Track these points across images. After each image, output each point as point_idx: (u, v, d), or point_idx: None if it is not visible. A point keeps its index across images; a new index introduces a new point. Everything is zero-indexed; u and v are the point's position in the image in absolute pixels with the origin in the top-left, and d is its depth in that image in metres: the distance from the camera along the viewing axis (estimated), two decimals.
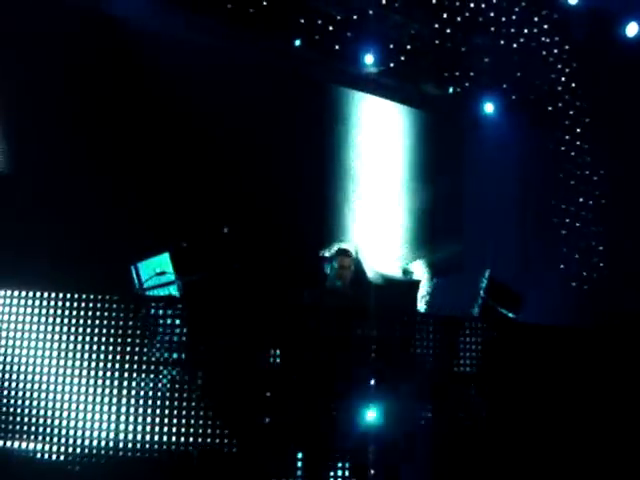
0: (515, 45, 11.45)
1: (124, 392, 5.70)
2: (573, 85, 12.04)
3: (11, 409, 5.77)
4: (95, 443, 5.66)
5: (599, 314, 10.08)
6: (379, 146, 11.20)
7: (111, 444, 5.64)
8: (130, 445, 5.63)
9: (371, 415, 5.98)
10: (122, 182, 8.51)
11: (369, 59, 10.53)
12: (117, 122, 8.77)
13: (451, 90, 11.50)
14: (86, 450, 5.65)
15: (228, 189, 9.27)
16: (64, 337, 5.85)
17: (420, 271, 10.31)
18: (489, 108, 11.89)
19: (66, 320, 5.86)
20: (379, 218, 10.98)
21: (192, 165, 9.13)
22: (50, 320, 5.86)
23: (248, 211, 9.20)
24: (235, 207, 9.09)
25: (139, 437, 5.62)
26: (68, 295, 5.88)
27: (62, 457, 5.65)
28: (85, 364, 5.78)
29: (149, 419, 5.63)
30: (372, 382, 6.12)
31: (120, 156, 8.64)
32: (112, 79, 8.78)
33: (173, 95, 8.97)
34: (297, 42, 10.11)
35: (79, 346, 5.81)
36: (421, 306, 8.21)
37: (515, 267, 11.31)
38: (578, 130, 12.13)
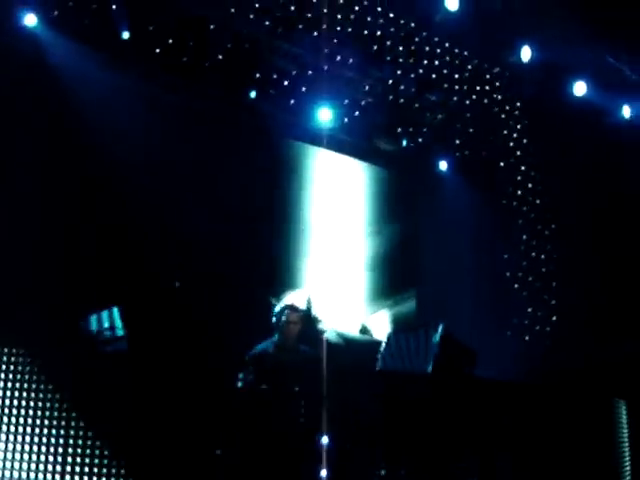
0: (467, 102, 11.61)
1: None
2: (525, 141, 12.24)
3: None
4: None
5: (550, 369, 10.12)
6: (333, 199, 11.23)
7: None
8: None
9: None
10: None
11: (323, 114, 10.58)
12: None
13: (404, 145, 11.60)
14: None
15: (178, 241, 9.17)
16: None
17: (378, 328, 10.29)
18: (443, 165, 12.04)
19: None
20: (334, 272, 10.95)
21: (142, 216, 8.99)
22: None
23: (199, 265, 9.10)
24: (185, 261, 8.97)
25: None
26: None
27: None
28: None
29: None
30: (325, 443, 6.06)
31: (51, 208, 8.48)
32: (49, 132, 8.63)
33: (126, 148, 8.88)
34: (252, 94, 10.13)
35: None
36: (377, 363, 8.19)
37: (469, 321, 11.31)
38: (530, 185, 12.29)
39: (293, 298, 7.88)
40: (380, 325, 10.54)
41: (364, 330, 10.41)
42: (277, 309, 7.66)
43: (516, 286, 12.10)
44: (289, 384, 6.95)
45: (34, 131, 8.43)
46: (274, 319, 7.59)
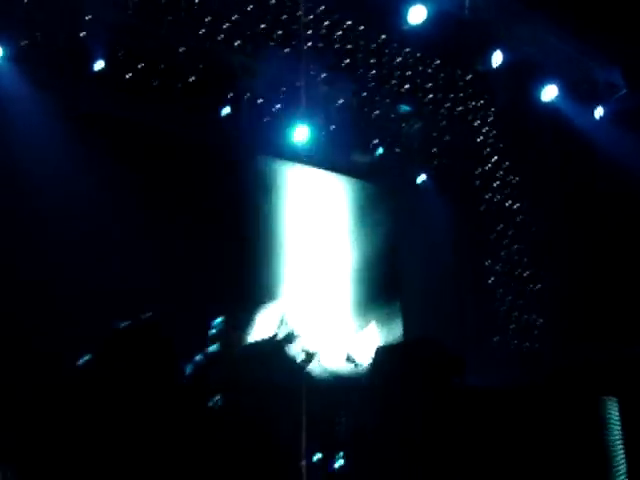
0: (442, 110, 11.65)
1: None
2: (500, 146, 12.30)
3: None
4: None
5: (538, 371, 10.13)
6: (312, 214, 11.22)
7: None
8: None
9: None
10: None
11: (299, 130, 10.59)
12: None
13: (381, 157, 11.62)
14: None
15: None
16: None
17: (363, 356, 10.22)
18: (421, 175, 12.08)
19: None
20: (315, 286, 10.92)
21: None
22: None
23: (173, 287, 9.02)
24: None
25: None
26: None
27: None
28: None
29: None
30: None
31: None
32: None
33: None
34: (225, 110, 10.11)
35: None
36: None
37: (454, 329, 11.32)
38: (507, 190, 12.34)
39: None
40: (366, 343, 10.48)
41: (349, 359, 10.36)
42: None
43: (500, 291, 12.11)
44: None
45: None
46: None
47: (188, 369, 7.11)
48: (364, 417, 7.18)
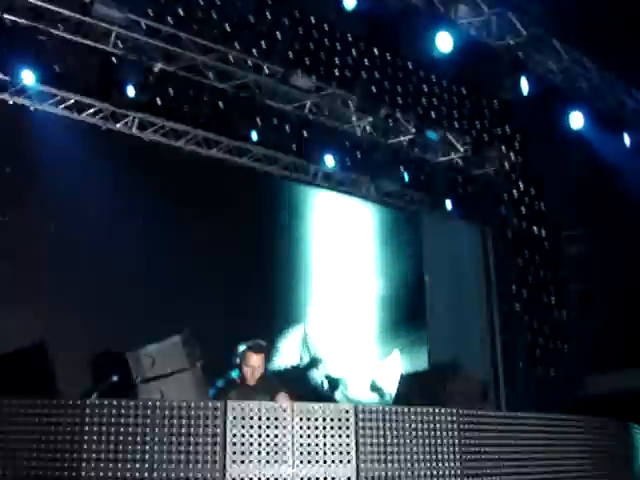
0: (468, 137, 11.69)
1: None
2: (526, 173, 12.30)
3: None
4: None
5: (565, 399, 10.07)
6: (338, 240, 11.29)
7: None
8: None
9: None
10: None
11: (327, 158, 10.73)
12: None
13: (407, 184, 11.70)
14: None
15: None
16: None
17: (388, 384, 10.21)
18: (447, 203, 12.11)
19: None
20: (342, 313, 10.97)
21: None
22: None
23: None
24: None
25: None
26: None
27: None
28: None
29: None
30: None
31: None
32: None
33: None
34: (254, 136, 10.24)
35: None
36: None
37: (480, 356, 11.30)
38: (533, 217, 12.34)
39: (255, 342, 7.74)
40: (391, 371, 10.48)
41: (374, 387, 10.36)
42: (239, 349, 7.55)
43: (526, 317, 12.07)
44: None
45: None
46: (235, 359, 7.46)
47: (211, 393, 7.11)
48: None
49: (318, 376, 7.87)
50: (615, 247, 11.29)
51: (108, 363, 6.35)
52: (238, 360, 7.19)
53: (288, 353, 9.43)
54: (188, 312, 8.61)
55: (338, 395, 8.72)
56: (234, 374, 7.27)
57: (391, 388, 9.65)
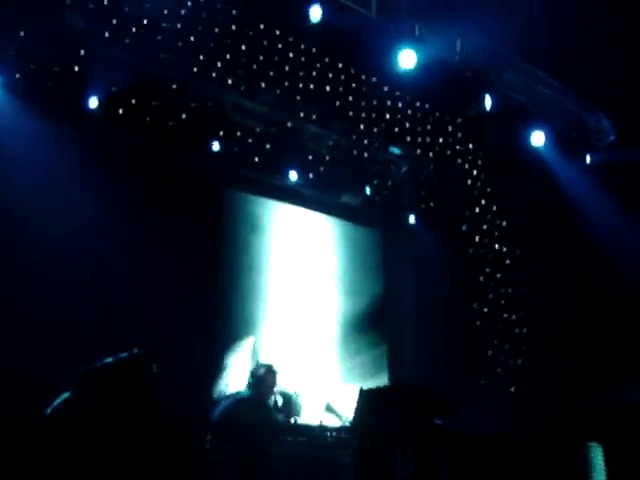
0: (431, 154, 11.73)
1: None
2: (488, 190, 12.36)
3: None
4: None
5: (525, 417, 10.07)
6: (300, 255, 11.23)
7: None
8: None
9: None
10: None
11: (290, 173, 10.76)
12: None
13: (370, 199, 11.71)
14: None
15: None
16: None
17: (344, 408, 10.14)
18: (410, 218, 12.14)
19: None
20: (298, 328, 10.88)
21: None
22: None
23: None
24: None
25: None
26: None
27: None
28: None
29: None
30: None
31: None
32: None
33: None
34: (215, 146, 10.16)
35: None
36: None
37: (442, 372, 11.29)
38: (496, 233, 12.39)
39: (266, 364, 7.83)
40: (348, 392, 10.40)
41: (329, 409, 10.33)
42: (254, 367, 7.67)
43: (487, 334, 12.10)
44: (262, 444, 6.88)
45: None
46: (250, 377, 7.55)
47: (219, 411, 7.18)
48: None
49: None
50: (575, 264, 11.39)
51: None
52: (254, 380, 7.37)
53: (238, 368, 9.41)
54: (139, 326, 8.51)
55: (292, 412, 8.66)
56: (244, 393, 7.40)
57: (346, 411, 9.62)
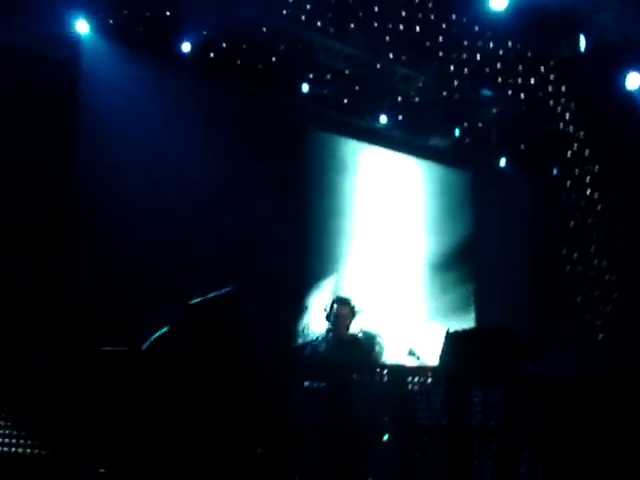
0: (522, 95, 11.51)
1: None
2: (581, 134, 12.09)
3: None
4: None
5: (611, 364, 9.97)
6: (389, 197, 11.26)
7: None
8: None
9: None
10: None
11: (381, 116, 10.79)
12: None
13: (460, 141, 11.61)
14: None
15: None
16: None
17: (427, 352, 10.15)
18: (501, 161, 11.98)
19: None
20: (383, 269, 10.95)
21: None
22: None
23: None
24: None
25: None
26: None
27: None
28: None
29: None
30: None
31: None
32: None
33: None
34: (305, 88, 10.23)
35: None
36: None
37: (528, 317, 11.24)
38: (588, 178, 12.15)
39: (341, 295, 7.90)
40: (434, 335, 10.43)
41: (411, 353, 10.34)
42: (327, 303, 7.70)
43: (575, 280, 11.97)
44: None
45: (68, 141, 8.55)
46: (325, 313, 7.62)
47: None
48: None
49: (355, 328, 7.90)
50: None
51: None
52: (328, 314, 7.46)
53: (320, 307, 9.53)
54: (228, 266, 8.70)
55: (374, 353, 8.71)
56: (320, 335, 7.50)
57: (429, 356, 9.62)
